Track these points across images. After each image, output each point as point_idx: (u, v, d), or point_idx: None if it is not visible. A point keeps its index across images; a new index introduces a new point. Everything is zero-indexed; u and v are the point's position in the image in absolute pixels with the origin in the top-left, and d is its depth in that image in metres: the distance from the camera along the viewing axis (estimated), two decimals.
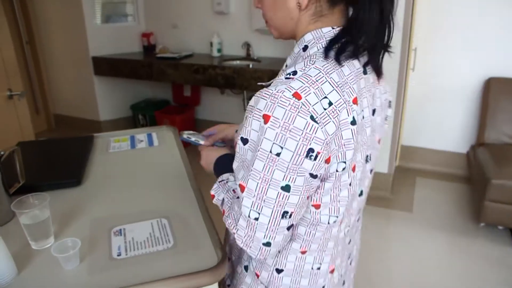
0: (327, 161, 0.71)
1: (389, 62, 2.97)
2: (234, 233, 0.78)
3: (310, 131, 0.67)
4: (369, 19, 0.74)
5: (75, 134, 4.71)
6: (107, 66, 4.18)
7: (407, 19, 2.84)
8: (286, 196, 0.71)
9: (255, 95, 0.72)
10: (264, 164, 0.70)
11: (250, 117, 0.71)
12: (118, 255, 0.90)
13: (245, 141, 0.73)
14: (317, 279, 0.89)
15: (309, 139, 0.67)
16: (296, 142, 0.67)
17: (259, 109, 0.69)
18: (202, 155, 1.03)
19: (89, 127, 4.69)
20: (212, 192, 0.89)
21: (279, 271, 0.88)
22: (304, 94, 0.68)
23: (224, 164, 0.94)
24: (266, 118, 0.68)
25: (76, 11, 4.13)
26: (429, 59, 3.44)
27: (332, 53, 0.74)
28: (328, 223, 0.81)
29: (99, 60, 4.22)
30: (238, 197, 0.80)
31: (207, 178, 1.14)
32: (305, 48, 0.78)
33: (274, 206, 0.72)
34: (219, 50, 3.97)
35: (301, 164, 0.69)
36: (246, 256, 0.93)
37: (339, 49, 0.74)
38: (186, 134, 1.11)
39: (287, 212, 0.73)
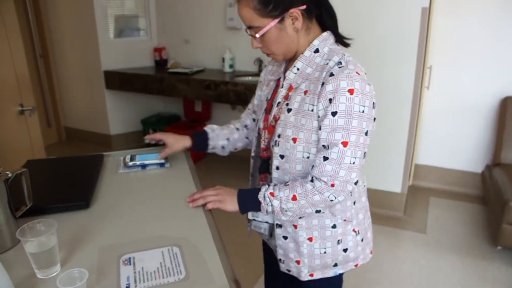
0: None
1: (404, 80, 2.94)
2: (332, 187, 1.07)
3: (372, 92, 1.07)
4: (330, 20, 1.16)
5: (85, 148, 4.73)
6: (118, 81, 4.19)
7: (422, 37, 2.81)
8: (367, 139, 1.07)
9: (329, 80, 1.05)
10: (358, 121, 1.04)
11: (337, 95, 1.03)
12: (127, 287, 0.86)
13: (334, 113, 1.04)
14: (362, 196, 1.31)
15: (373, 96, 1.07)
16: (369, 101, 1.05)
17: (343, 87, 1.03)
18: (217, 189, 1.22)
19: (100, 141, 4.69)
20: (270, 191, 1.14)
21: (354, 202, 1.25)
22: (359, 71, 1.07)
23: (248, 197, 1.19)
24: (350, 91, 1.03)
25: (89, 25, 4.17)
26: (445, 77, 3.40)
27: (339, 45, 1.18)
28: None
29: (111, 74, 4.23)
30: (297, 182, 1.12)
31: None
32: (316, 50, 1.12)
33: (362, 149, 1.07)
34: (231, 66, 3.96)
35: (372, 114, 1.07)
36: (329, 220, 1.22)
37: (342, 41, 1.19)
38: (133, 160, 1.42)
39: (365, 153, 1.09)
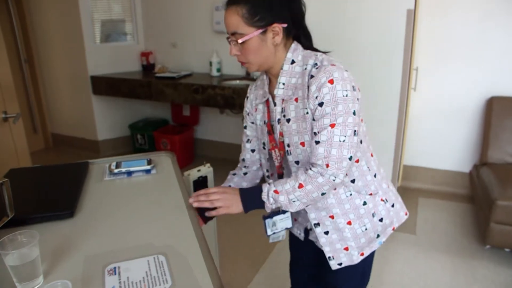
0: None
1: (391, 82, 2.96)
2: (327, 167, 1.15)
3: (350, 76, 1.16)
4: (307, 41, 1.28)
5: (73, 154, 4.68)
6: (105, 86, 4.15)
7: (408, 39, 2.83)
8: (355, 118, 1.15)
9: (311, 82, 1.15)
10: (343, 105, 1.13)
11: (322, 88, 1.13)
12: None
13: (321, 104, 1.14)
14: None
15: (352, 80, 1.16)
16: (350, 84, 1.14)
17: (324, 82, 1.13)
18: (220, 192, 1.26)
19: (87, 147, 4.64)
20: (273, 189, 1.20)
21: (374, 175, 1.36)
22: (334, 62, 1.16)
23: (251, 197, 1.25)
24: (330, 81, 1.12)
25: (75, 30, 4.12)
26: (431, 79, 3.42)
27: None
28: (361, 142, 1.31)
29: (98, 80, 4.19)
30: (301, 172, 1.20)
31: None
32: (292, 61, 1.22)
33: (351, 128, 1.14)
34: (218, 70, 3.95)
35: (355, 95, 1.15)
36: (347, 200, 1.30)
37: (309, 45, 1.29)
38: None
39: (356, 131, 1.16)
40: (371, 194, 1.33)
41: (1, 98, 2.13)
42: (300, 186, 1.17)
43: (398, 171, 3.24)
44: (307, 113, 1.18)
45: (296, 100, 1.21)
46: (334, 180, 1.16)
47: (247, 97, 1.44)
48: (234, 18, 1.15)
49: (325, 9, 2.99)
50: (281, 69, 1.23)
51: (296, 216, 1.46)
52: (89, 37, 4.16)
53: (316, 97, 1.14)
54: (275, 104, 1.27)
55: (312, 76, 1.16)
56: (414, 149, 3.67)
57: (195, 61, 4.17)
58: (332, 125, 1.13)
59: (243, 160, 1.50)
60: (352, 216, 1.31)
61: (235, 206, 1.24)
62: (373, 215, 1.34)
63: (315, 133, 1.17)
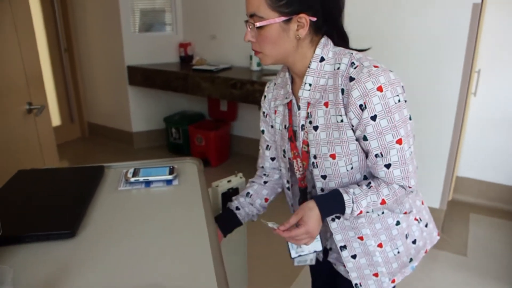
0: None
1: (449, 86, 2.64)
2: (410, 187, 1.05)
3: (396, 77, 0.99)
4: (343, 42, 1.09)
5: (107, 145, 4.61)
6: (141, 77, 4.04)
7: (471, 37, 2.50)
8: (411, 123, 1.03)
9: (353, 86, 0.97)
10: (398, 113, 0.98)
11: (368, 99, 0.96)
12: None
13: (374, 117, 0.98)
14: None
15: (400, 81, 1.00)
16: (399, 87, 0.99)
17: (371, 88, 0.96)
18: (309, 232, 1.06)
19: (121, 138, 4.57)
20: (357, 212, 1.04)
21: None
22: (375, 63, 1.00)
23: (330, 201, 1.06)
24: (379, 89, 0.96)
25: (114, 19, 4.04)
26: (494, 83, 3.07)
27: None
28: None
29: (134, 70, 4.08)
30: (379, 183, 1.05)
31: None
32: (322, 59, 1.04)
33: (411, 135, 1.03)
34: (258, 64, 3.74)
35: (404, 97, 1.00)
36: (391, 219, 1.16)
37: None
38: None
39: (414, 135, 1.05)
40: (405, 213, 1.18)
41: (26, 88, 2.00)
42: (383, 202, 1.04)
43: (450, 183, 2.93)
44: (342, 121, 1.02)
45: (326, 105, 1.04)
46: (412, 192, 1.08)
47: (265, 96, 1.26)
48: None
49: (382, 3, 2.70)
50: (308, 67, 1.05)
51: None
52: (127, 26, 4.06)
53: (361, 107, 0.97)
54: (299, 108, 1.11)
55: (352, 79, 0.98)
56: (469, 159, 3.34)
57: (234, 54, 3.98)
58: (399, 141, 1.00)
59: (262, 167, 1.34)
60: (383, 238, 1.16)
61: (319, 229, 1.08)
62: (406, 237, 1.19)
63: (377, 155, 1.02)
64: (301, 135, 1.12)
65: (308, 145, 1.11)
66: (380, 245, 1.16)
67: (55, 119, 4.55)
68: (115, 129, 4.62)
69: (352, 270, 1.19)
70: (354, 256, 1.17)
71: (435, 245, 2.73)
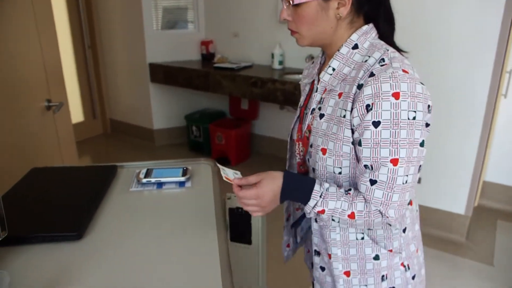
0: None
1: (478, 87, 2.53)
2: (387, 217, 0.87)
3: (425, 92, 0.85)
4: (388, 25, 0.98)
5: (129, 141, 4.63)
6: (163, 74, 4.04)
7: (503, 35, 2.39)
8: (422, 150, 0.87)
9: (368, 82, 0.85)
10: (407, 130, 0.83)
11: (378, 101, 0.83)
12: None
13: (376, 124, 0.84)
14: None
15: (427, 98, 0.86)
16: (423, 104, 0.84)
17: (386, 91, 0.83)
18: (259, 198, 0.91)
19: (143, 135, 4.58)
20: (320, 209, 0.89)
21: (404, 230, 1.02)
22: (407, 68, 0.85)
23: (298, 182, 0.92)
24: (396, 95, 0.82)
25: (136, 16, 4.05)
26: None
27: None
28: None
29: (156, 67, 4.08)
30: (360, 194, 0.89)
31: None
32: (355, 46, 0.93)
33: (416, 164, 0.87)
34: (280, 62, 3.68)
35: (425, 120, 0.86)
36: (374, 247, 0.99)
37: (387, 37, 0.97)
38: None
39: (420, 166, 0.89)
40: (390, 251, 1.00)
41: (46, 84, 2.00)
42: (351, 216, 0.88)
43: (476, 189, 2.81)
44: (344, 116, 0.90)
45: (340, 95, 0.93)
46: (389, 225, 0.92)
47: (303, 74, 1.18)
48: None
49: (403, 2, 2.61)
50: (338, 50, 0.95)
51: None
52: (149, 23, 4.06)
53: (368, 107, 0.84)
54: (316, 90, 1.01)
55: (372, 74, 0.85)
56: (497, 163, 3.20)
57: (256, 52, 3.93)
58: (395, 162, 0.84)
59: None
60: (354, 267, 1.00)
61: (271, 207, 0.94)
62: (382, 279, 1.00)
63: (366, 166, 0.87)
64: (308, 118, 1.02)
65: (310, 132, 1.01)
66: (347, 274, 1.01)
67: (78, 115, 4.60)
68: (136, 126, 4.65)
69: (317, 280, 1.08)
70: (322, 268, 1.06)
71: (458, 252, 2.65)
